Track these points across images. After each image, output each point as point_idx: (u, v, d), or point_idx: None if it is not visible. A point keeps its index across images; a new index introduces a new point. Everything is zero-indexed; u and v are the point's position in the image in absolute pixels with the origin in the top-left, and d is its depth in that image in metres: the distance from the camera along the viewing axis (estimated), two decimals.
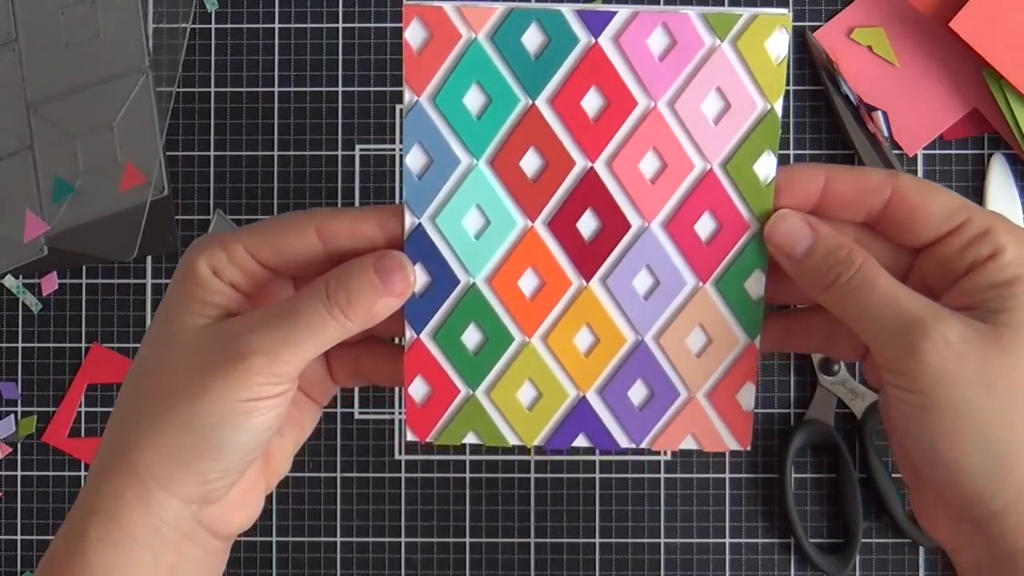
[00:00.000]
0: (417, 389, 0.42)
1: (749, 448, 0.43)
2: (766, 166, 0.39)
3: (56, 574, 0.38)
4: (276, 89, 0.66)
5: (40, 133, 0.65)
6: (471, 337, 0.41)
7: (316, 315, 0.37)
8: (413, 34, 0.38)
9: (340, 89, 0.65)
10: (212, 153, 0.66)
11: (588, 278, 0.41)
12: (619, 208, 0.40)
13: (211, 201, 0.65)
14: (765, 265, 0.40)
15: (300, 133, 0.65)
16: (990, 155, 0.64)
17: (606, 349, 0.41)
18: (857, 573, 0.64)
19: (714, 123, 0.39)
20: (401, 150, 0.58)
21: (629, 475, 0.64)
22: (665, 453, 0.64)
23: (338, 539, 0.65)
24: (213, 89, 0.66)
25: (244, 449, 0.38)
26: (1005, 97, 0.62)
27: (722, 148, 0.39)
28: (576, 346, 0.41)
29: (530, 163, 0.40)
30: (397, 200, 0.65)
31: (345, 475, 0.65)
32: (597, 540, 0.64)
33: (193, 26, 0.66)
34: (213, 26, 0.66)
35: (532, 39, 0.39)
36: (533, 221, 0.40)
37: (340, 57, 0.66)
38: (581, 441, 0.42)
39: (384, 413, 0.65)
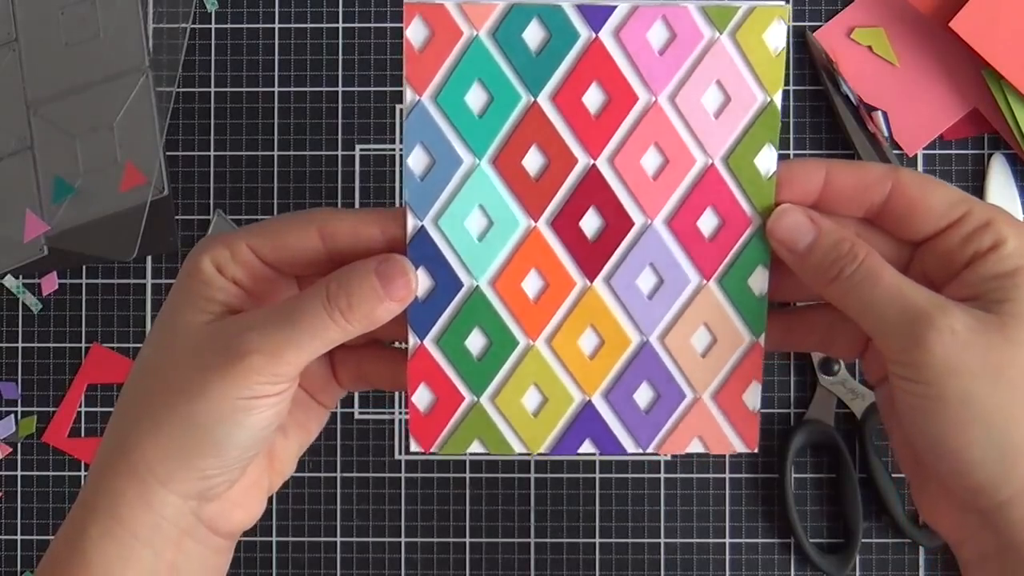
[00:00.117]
0: (421, 397, 0.41)
1: (756, 450, 0.42)
2: (767, 160, 0.39)
3: (56, 572, 0.38)
4: (276, 89, 0.66)
5: (40, 133, 0.65)
6: (475, 342, 0.41)
7: (317, 317, 0.37)
8: (414, 32, 0.38)
9: (340, 89, 0.65)
10: (212, 153, 0.65)
11: (592, 278, 0.40)
12: (622, 206, 0.40)
13: (211, 201, 0.65)
14: (768, 261, 0.40)
15: (300, 133, 0.65)
16: (990, 155, 0.64)
17: (611, 351, 0.41)
18: (857, 573, 0.64)
19: (715, 117, 0.39)
20: (401, 150, 0.58)
21: (629, 475, 0.64)
22: (666, 454, 0.64)
23: (338, 539, 0.65)
24: (213, 89, 0.66)
25: (244, 445, 0.38)
26: (1005, 97, 0.62)
27: (723, 142, 0.39)
28: (581, 348, 0.41)
29: (532, 162, 0.39)
30: (397, 201, 0.65)
31: (345, 475, 0.65)
32: (597, 540, 0.64)
33: (193, 26, 0.66)
34: (213, 26, 0.66)
35: (533, 35, 0.39)
36: (536, 221, 0.40)
37: (340, 57, 0.65)
38: (587, 447, 0.42)
39: (384, 413, 0.65)
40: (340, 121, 0.65)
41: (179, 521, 0.38)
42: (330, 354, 0.43)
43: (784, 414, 0.64)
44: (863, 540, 0.63)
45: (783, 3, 0.39)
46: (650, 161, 0.40)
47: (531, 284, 0.41)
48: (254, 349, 0.36)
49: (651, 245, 0.40)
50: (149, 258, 0.65)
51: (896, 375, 0.37)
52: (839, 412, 0.64)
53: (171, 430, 0.37)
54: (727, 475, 0.64)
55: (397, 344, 0.44)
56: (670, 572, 0.64)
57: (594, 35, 0.39)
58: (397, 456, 0.65)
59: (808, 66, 0.65)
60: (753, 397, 0.42)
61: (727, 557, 0.64)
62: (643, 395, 0.42)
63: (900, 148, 0.64)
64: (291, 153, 0.65)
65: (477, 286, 0.40)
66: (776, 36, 0.39)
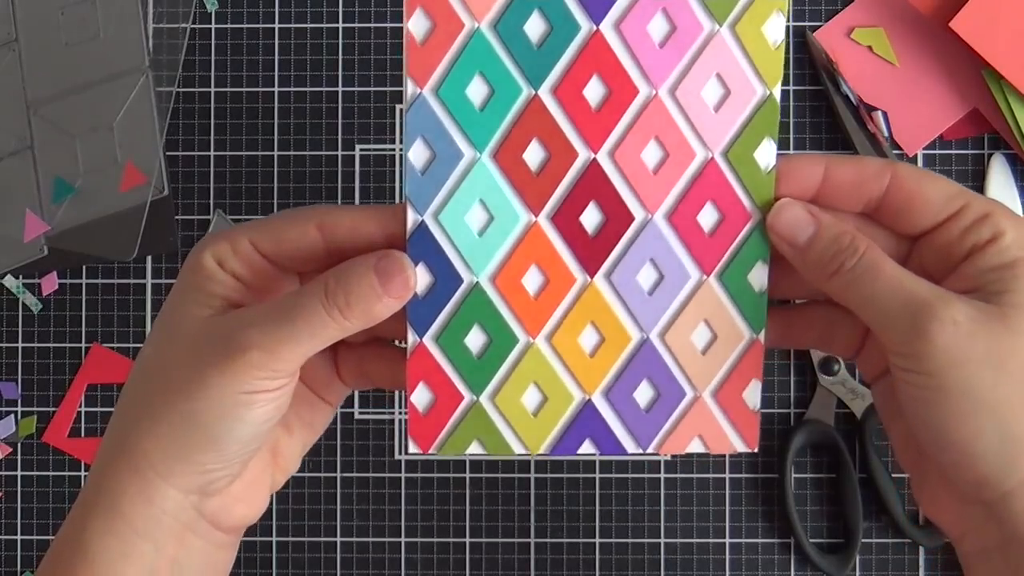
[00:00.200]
0: (420, 397, 0.41)
1: (756, 449, 0.42)
2: (767, 154, 0.39)
3: (58, 569, 0.38)
4: (276, 89, 0.66)
5: (40, 133, 0.65)
6: (475, 339, 0.41)
7: (315, 313, 0.37)
8: (416, 24, 0.38)
9: (340, 89, 0.65)
10: (212, 153, 0.66)
11: (592, 274, 0.40)
12: (622, 200, 0.40)
13: (211, 201, 0.65)
14: (767, 256, 0.40)
15: (300, 133, 0.65)
16: (990, 155, 0.64)
17: (611, 348, 0.41)
18: (857, 573, 0.64)
19: (714, 110, 0.39)
20: (401, 150, 0.58)
21: (629, 475, 0.64)
22: (666, 453, 0.64)
23: (338, 539, 0.64)
24: (213, 89, 0.66)
25: (243, 440, 0.38)
26: (1005, 97, 0.62)
27: (723, 136, 0.39)
28: (581, 346, 0.41)
29: (533, 155, 0.39)
30: (397, 200, 0.65)
31: (345, 475, 0.65)
32: (597, 540, 0.64)
33: (193, 26, 0.66)
34: (213, 26, 0.66)
35: (534, 27, 0.38)
36: (537, 216, 0.40)
37: (340, 57, 0.66)
38: (587, 447, 0.41)
39: (384, 413, 0.65)
40: (340, 121, 0.65)
41: (180, 515, 0.38)
42: (333, 351, 0.43)
43: (784, 414, 0.64)
44: (863, 540, 0.63)
45: None
46: (650, 155, 0.39)
47: (531, 280, 0.40)
48: (253, 345, 0.36)
49: (651, 240, 0.40)
50: (149, 258, 0.65)
51: (898, 367, 0.37)
52: (839, 412, 0.64)
53: (170, 425, 0.37)
54: (727, 475, 0.64)
55: (397, 342, 0.44)
56: (670, 572, 0.64)
57: (595, 27, 0.38)
58: (397, 456, 0.65)
59: (808, 66, 0.65)
60: (753, 395, 0.41)
61: (727, 557, 0.64)
62: (643, 393, 0.41)
63: (900, 148, 0.64)
64: (291, 153, 0.65)
65: (477, 282, 0.40)
66: (775, 28, 0.39)
